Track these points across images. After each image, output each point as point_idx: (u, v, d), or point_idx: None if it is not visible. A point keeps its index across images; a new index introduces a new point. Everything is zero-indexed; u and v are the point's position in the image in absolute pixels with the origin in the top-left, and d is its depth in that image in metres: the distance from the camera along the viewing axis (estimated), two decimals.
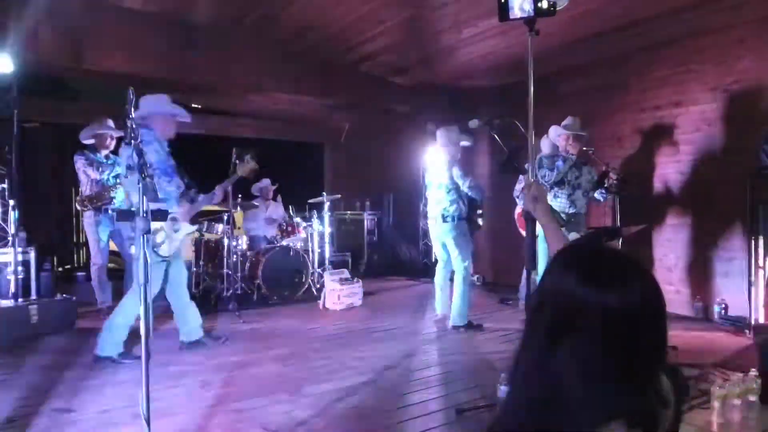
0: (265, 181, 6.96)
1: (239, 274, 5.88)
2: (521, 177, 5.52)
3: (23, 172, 4.95)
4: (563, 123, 4.70)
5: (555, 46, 4.90)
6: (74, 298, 4.86)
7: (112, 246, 5.29)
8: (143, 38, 5.04)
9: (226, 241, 5.74)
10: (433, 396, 3.13)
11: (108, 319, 3.70)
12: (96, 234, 5.02)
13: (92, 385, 3.27)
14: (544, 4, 2.26)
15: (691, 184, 5.08)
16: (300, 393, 3.14)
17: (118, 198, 4.95)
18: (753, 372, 2.75)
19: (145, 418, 2.10)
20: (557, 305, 0.83)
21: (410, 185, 7.85)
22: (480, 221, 4.96)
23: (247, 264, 6.03)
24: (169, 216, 3.57)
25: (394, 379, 3.44)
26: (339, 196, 6.74)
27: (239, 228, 6.72)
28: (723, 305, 4.72)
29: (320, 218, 6.60)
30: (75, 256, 8.39)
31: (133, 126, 2.32)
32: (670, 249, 5.25)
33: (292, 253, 6.09)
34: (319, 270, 6.51)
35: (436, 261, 5.15)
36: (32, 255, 4.86)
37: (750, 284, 4.30)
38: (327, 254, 6.56)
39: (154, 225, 3.46)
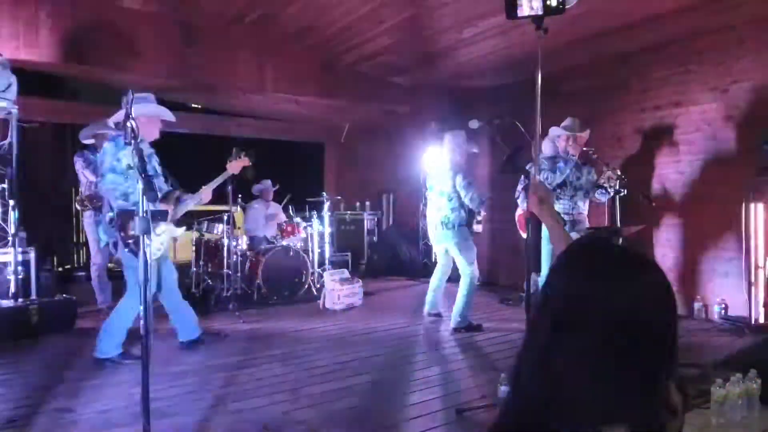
0: (266, 182, 6.96)
1: (239, 274, 5.88)
2: (522, 178, 5.51)
3: (23, 172, 4.95)
4: (563, 124, 4.69)
5: (555, 46, 4.90)
6: (74, 298, 4.86)
7: None
8: (143, 38, 5.04)
9: (226, 241, 5.74)
10: (433, 396, 3.13)
11: (105, 321, 3.69)
12: (96, 234, 5.01)
13: (92, 385, 3.27)
14: (553, 2, 2.22)
15: (691, 184, 5.08)
16: (300, 393, 3.14)
17: None
18: (753, 372, 2.75)
19: (145, 418, 2.10)
20: (562, 303, 0.81)
21: (410, 185, 7.85)
22: (478, 228, 4.95)
23: (247, 264, 6.03)
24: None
25: (394, 379, 3.44)
26: (339, 196, 6.74)
27: (239, 228, 6.71)
28: (723, 305, 4.72)
29: (320, 218, 6.60)
30: (75, 256, 8.38)
31: (134, 126, 2.32)
32: (670, 249, 5.25)
33: (292, 253, 6.09)
34: (319, 270, 6.51)
35: (437, 261, 5.17)
36: (32, 255, 4.86)
37: (750, 284, 4.30)
38: (327, 254, 6.56)
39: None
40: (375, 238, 8.62)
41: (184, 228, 4.27)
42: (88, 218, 5.06)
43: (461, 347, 4.21)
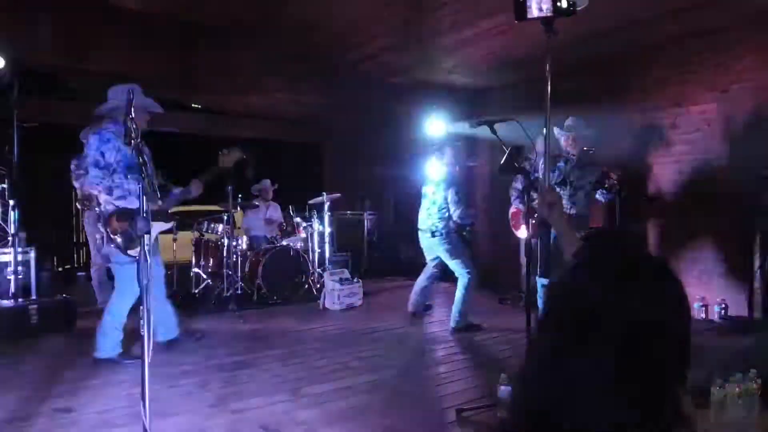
0: (265, 182, 6.96)
1: (239, 274, 5.88)
2: (518, 176, 5.59)
3: (23, 172, 4.95)
4: (564, 123, 4.69)
5: (555, 46, 4.89)
6: (74, 298, 4.86)
7: None
8: (143, 38, 5.04)
9: (226, 241, 5.74)
10: (433, 396, 3.13)
11: (99, 322, 3.67)
12: (96, 234, 5.02)
13: (92, 385, 3.27)
14: (564, 4, 2.20)
15: (691, 184, 5.08)
16: (300, 393, 3.14)
17: None
18: (753, 372, 2.75)
19: (145, 418, 2.10)
20: (572, 308, 0.79)
21: (410, 185, 7.85)
22: (467, 235, 5.01)
23: (247, 264, 6.03)
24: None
25: (394, 379, 3.44)
26: (339, 196, 6.74)
27: (239, 228, 6.71)
28: (723, 305, 4.72)
29: (320, 218, 6.60)
30: (75, 256, 8.39)
31: (134, 126, 2.32)
32: (670, 249, 5.24)
33: (292, 253, 6.09)
34: (319, 270, 6.51)
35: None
36: (32, 255, 4.87)
37: (750, 284, 4.30)
38: (327, 254, 6.56)
39: (122, 226, 3.45)
40: (375, 238, 8.62)
41: (173, 222, 4.19)
42: (88, 218, 5.06)
43: (461, 347, 4.21)
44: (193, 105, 7.92)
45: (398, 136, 8.09)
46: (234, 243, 5.75)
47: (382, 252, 8.36)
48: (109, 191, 3.46)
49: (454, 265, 4.76)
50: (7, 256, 4.63)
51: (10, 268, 4.59)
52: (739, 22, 4.60)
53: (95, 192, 3.51)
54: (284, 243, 6.24)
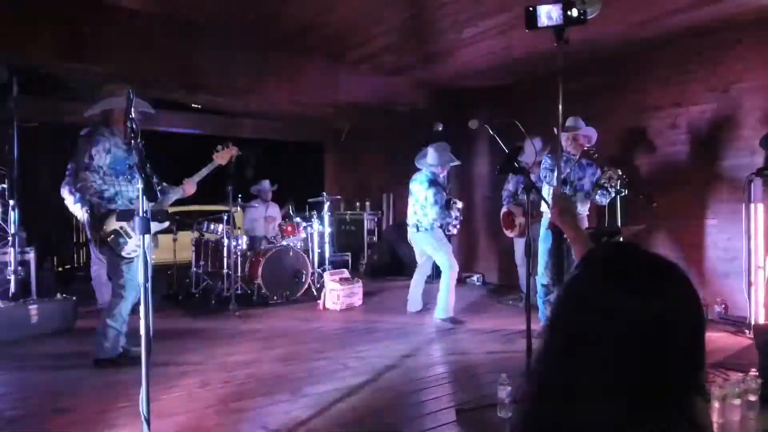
0: (264, 183, 6.96)
1: (239, 274, 5.89)
2: (510, 177, 5.77)
3: (23, 172, 4.95)
4: (565, 123, 4.70)
5: (556, 46, 4.89)
6: (74, 298, 4.87)
7: None
8: (143, 38, 5.04)
9: (226, 241, 5.74)
10: (433, 396, 3.13)
11: (99, 323, 3.66)
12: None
13: (92, 385, 3.27)
14: (574, 13, 2.20)
15: (691, 184, 5.08)
16: (300, 393, 3.14)
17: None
18: (753, 372, 2.75)
19: (145, 418, 2.10)
20: (582, 310, 0.78)
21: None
22: (453, 230, 5.22)
23: (247, 264, 6.04)
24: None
25: (394, 379, 3.44)
26: (339, 196, 6.74)
27: (239, 228, 6.72)
28: (723, 305, 4.72)
29: (320, 218, 6.60)
30: (75, 256, 8.38)
31: (134, 126, 2.31)
32: (670, 249, 5.24)
33: (292, 253, 6.09)
34: (319, 270, 6.51)
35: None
36: (32, 255, 4.87)
37: (750, 284, 4.30)
38: (327, 254, 6.56)
39: (114, 225, 3.45)
40: (375, 238, 8.62)
41: (167, 223, 4.14)
42: None
43: (461, 347, 4.21)
44: (193, 105, 7.92)
45: (398, 136, 8.09)
46: (234, 243, 5.75)
47: (382, 252, 8.36)
48: (100, 194, 3.44)
49: (438, 257, 5.03)
50: (7, 256, 4.63)
51: (10, 268, 4.59)
52: (739, 22, 4.60)
53: (85, 194, 3.46)
54: (284, 243, 6.24)
